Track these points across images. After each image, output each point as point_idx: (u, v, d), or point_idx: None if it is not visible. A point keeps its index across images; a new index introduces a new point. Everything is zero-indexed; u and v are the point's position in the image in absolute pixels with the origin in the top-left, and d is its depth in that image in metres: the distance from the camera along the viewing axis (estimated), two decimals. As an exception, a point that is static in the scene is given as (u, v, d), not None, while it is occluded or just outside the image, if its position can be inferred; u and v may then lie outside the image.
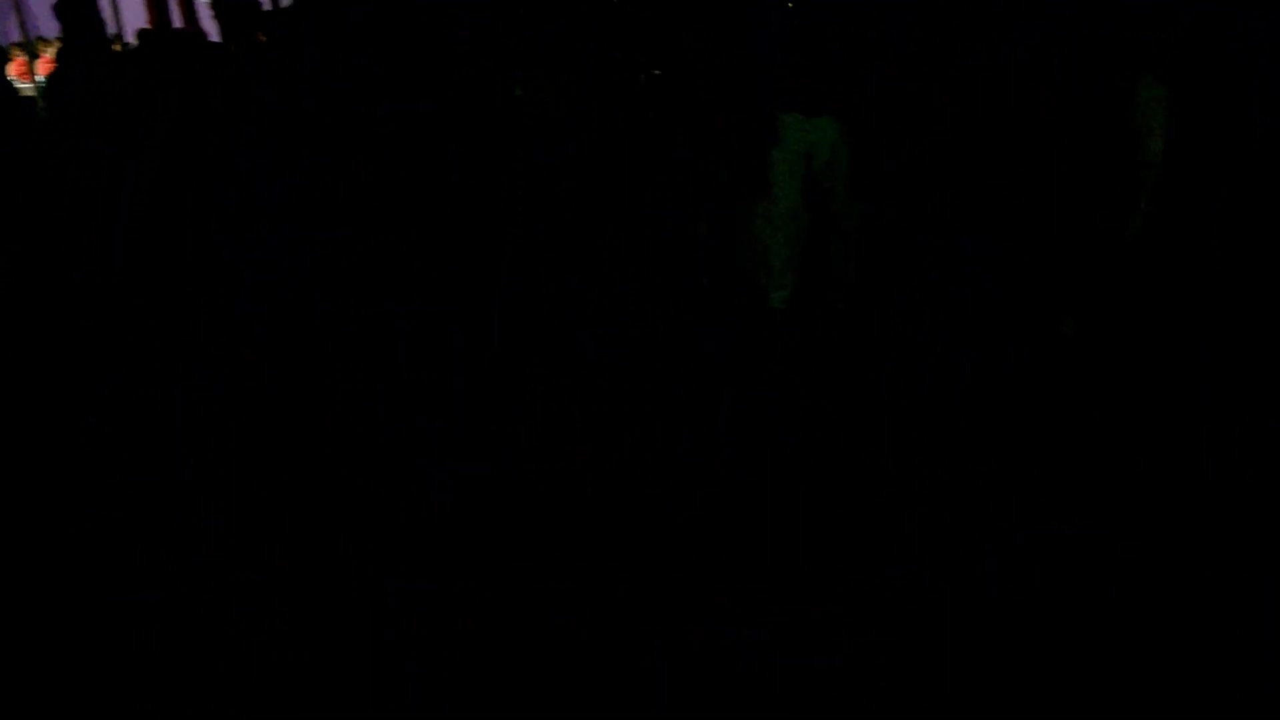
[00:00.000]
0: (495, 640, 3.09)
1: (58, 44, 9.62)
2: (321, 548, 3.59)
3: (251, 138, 4.02)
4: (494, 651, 3.05)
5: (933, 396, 4.11)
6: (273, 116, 4.10)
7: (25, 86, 8.06)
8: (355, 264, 3.69)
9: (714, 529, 3.59)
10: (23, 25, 9.93)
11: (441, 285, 3.60)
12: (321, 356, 3.96)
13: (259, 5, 4.85)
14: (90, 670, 3.13)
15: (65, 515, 3.58)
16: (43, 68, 9.03)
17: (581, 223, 4.87)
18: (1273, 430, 3.77)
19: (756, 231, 5.30)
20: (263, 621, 3.28)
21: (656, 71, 5.07)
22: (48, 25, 10.44)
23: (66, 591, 3.45)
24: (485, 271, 3.90)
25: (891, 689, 2.81)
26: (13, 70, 8.34)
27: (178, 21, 8.81)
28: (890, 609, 3.11)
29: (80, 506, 3.59)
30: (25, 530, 3.58)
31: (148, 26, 7.70)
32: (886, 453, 3.97)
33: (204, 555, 3.58)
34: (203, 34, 4.95)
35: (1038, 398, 3.41)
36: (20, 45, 9.64)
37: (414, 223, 3.58)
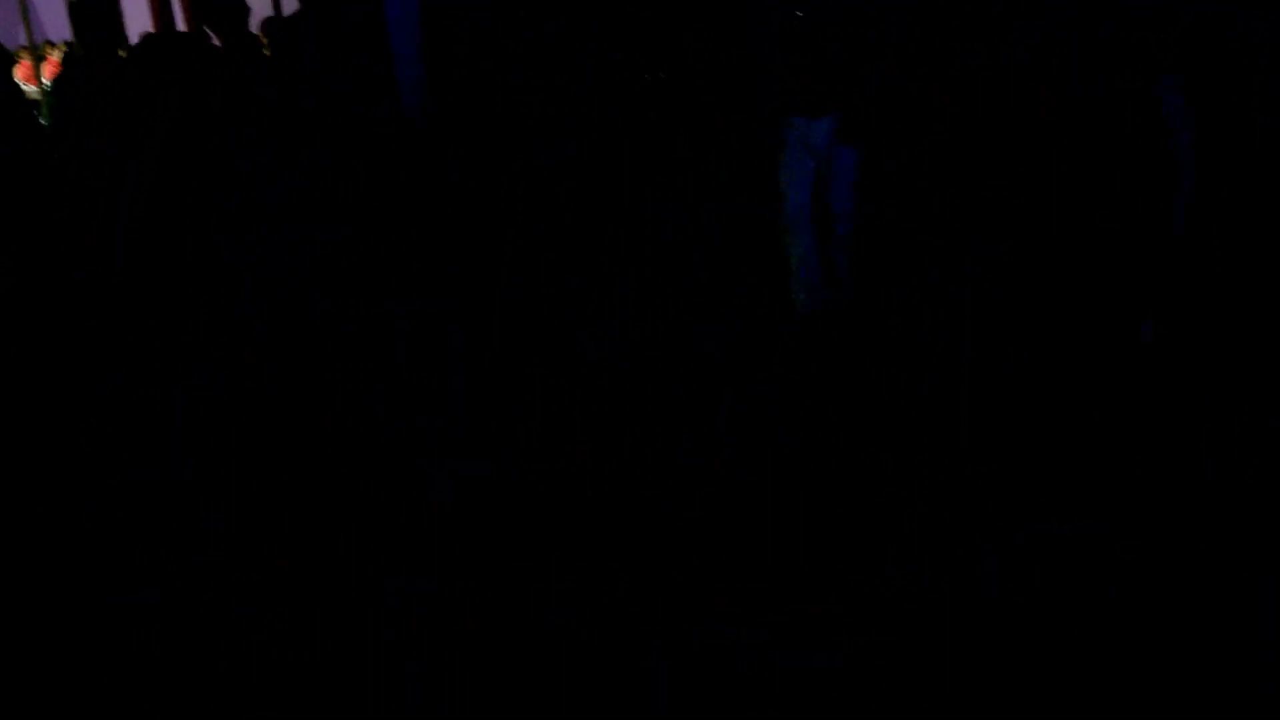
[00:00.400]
0: (495, 640, 3.09)
1: (64, 47, 9.64)
2: (321, 548, 3.60)
3: (251, 138, 4.03)
4: (494, 651, 3.05)
5: (932, 396, 4.11)
6: (273, 116, 4.11)
7: (31, 90, 8.06)
8: (355, 264, 3.69)
9: (714, 529, 3.59)
10: (29, 29, 9.94)
11: (441, 285, 3.61)
12: (321, 356, 3.96)
13: (245, 6, 4.84)
14: (90, 670, 3.13)
15: (65, 515, 3.58)
16: (49, 71, 9.04)
17: (581, 223, 4.87)
18: (1273, 430, 3.77)
19: (767, 236, 5.30)
20: (263, 621, 3.28)
21: (658, 72, 5.07)
22: (54, 29, 10.47)
23: (66, 591, 3.46)
24: (485, 271, 3.90)
25: (891, 689, 2.81)
26: (19, 74, 8.35)
27: (181, 24, 8.81)
28: (890, 609, 3.10)
29: (80, 506, 3.60)
30: (25, 530, 3.59)
31: (151, 29, 7.72)
32: (886, 453, 3.97)
33: (204, 555, 3.58)
34: (206, 36, 4.94)
35: (1038, 397, 3.40)
36: (27, 49, 9.65)
37: (414, 223, 3.59)
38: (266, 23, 8.32)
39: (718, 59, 4.89)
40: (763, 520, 3.60)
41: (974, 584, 3.18)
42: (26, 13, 9.50)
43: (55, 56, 10.13)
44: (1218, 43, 3.77)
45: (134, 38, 4.98)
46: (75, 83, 4.27)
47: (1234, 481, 3.55)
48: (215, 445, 3.76)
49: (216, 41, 5.04)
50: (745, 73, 4.84)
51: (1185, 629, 2.90)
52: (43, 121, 5.88)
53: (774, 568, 3.36)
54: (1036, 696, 2.74)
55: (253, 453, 3.88)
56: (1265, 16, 3.73)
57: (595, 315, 4.82)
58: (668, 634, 3.07)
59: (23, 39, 9.66)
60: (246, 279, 3.88)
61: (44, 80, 8.63)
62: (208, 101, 4.02)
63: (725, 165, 5.08)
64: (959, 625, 3.01)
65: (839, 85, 4.66)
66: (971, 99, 3.94)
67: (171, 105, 3.79)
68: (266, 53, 6.97)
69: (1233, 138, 3.82)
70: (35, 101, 7.33)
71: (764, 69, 4.80)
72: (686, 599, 3.23)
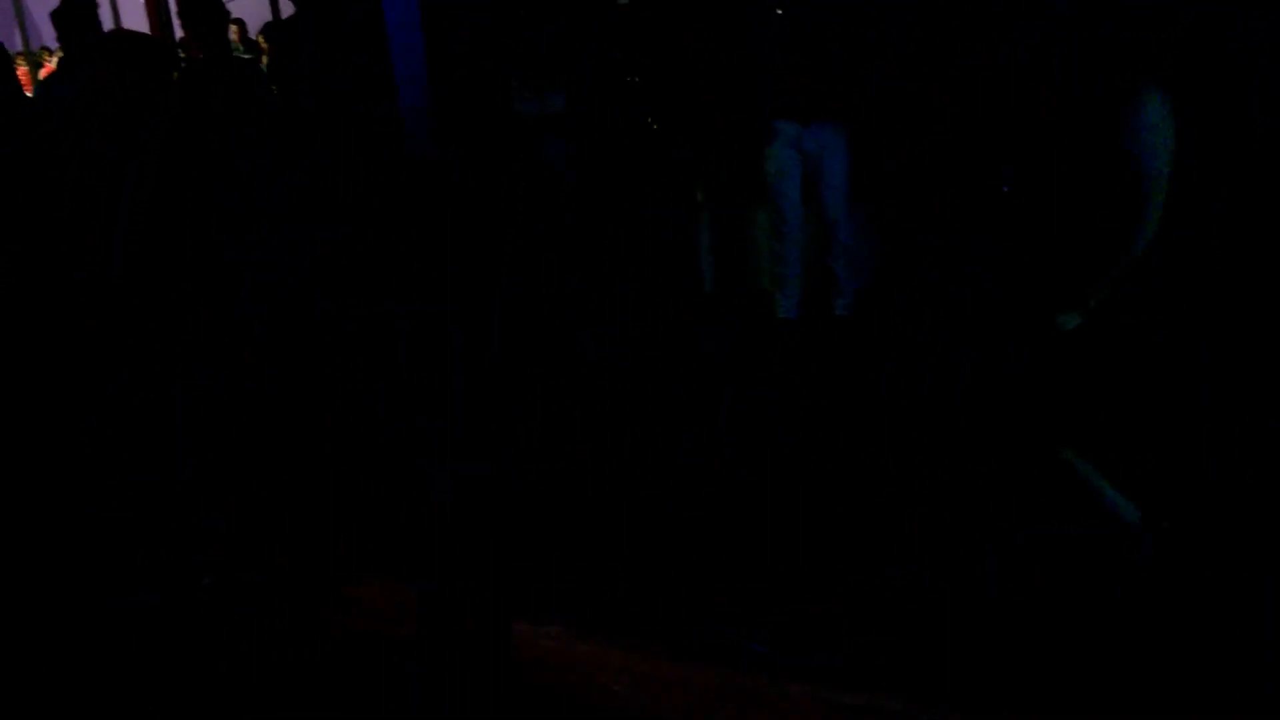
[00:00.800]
0: (495, 640, 3.08)
1: (60, 53, 9.66)
2: (321, 548, 3.60)
3: (251, 138, 4.04)
4: (493, 651, 3.05)
5: (933, 396, 4.11)
6: (273, 116, 4.11)
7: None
8: (355, 264, 3.69)
9: (714, 529, 3.59)
10: (25, 35, 9.97)
11: (441, 285, 3.60)
12: (321, 356, 3.96)
13: (225, 9, 4.85)
14: (90, 670, 3.13)
15: (65, 515, 3.58)
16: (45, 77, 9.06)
17: (581, 223, 4.88)
18: (1273, 431, 3.77)
19: (757, 238, 5.31)
20: (263, 621, 3.28)
21: (653, 72, 5.09)
22: (51, 35, 10.50)
23: (66, 592, 3.46)
24: (485, 271, 3.90)
25: (891, 689, 2.81)
26: (15, 80, 8.34)
27: (179, 30, 8.83)
28: (890, 609, 3.10)
29: (80, 506, 3.59)
30: (25, 530, 3.59)
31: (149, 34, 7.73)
32: (886, 453, 3.97)
33: (204, 555, 3.59)
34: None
35: (1038, 397, 3.40)
36: (23, 55, 9.67)
37: (414, 223, 3.58)
38: (267, 28, 8.36)
39: (718, 59, 4.90)
40: (763, 520, 3.60)
41: (974, 584, 3.18)
42: (22, 18, 9.54)
43: (51, 63, 10.16)
44: (1218, 43, 3.77)
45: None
46: (74, 83, 4.27)
47: (1235, 482, 3.55)
48: (215, 445, 3.76)
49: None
50: (745, 73, 4.85)
51: (1185, 629, 2.90)
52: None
53: (774, 568, 3.36)
54: (1037, 696, 2.74)
55: (253, 453, 3.88)
56: (1266, 17, 3.73)
57: (595, 315, 4.83)
58: (668, 634, 3.07)
59: (19, 45, 9.68)
60: (246, 279, 3.88)
61: (40, 86, 8.66)
62: (208, 102, 4.03)
63: (725, 165, 5.09)
64: (959, 625, 3.01)
65: (839, 85, 4.67)
66: (972, 99, 3.94)
67: (172, 105, 3.80)
68: (265, 59, 7.00)
69: (1233, 138, 3.82)
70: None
71: (764, 69, 4.81)
72: (686, 599, 3.23)
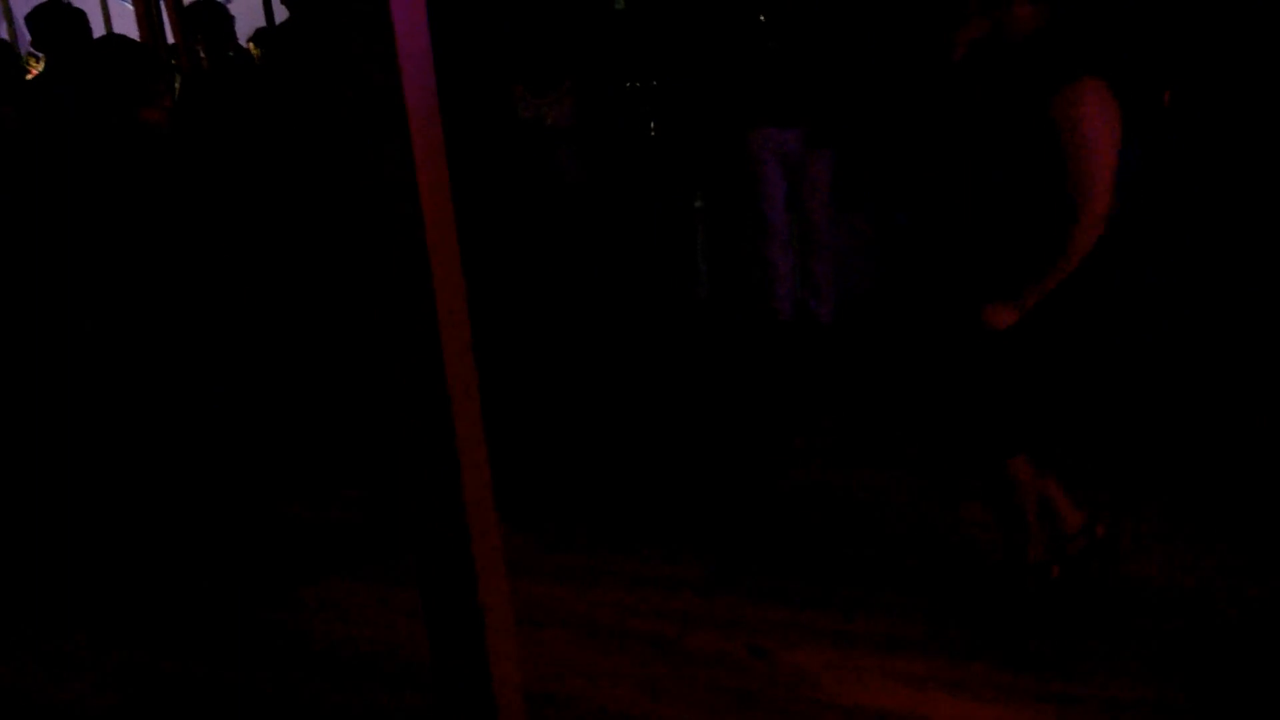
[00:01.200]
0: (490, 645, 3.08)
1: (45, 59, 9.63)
2: (282, 546, 3.62)
3: (251, 140, 4.04)
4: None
5: (926, 395, 4.14)
6: (272, 119, 4.11)
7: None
8: (347, 264, 3.71)
9: (709, 528, 3.61)
10: (15, 39, 9.92)
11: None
12: (320, 356, 3.97)
13: (229, 16, 4.84)
14: (90, 670, 3.12)
15: (65, 515, 3.57)
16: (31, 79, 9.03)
17: (581, 224, 4.89)
18: (1273, 430, 3.80)
19: (745, 242, 5.34)
20: (218, 622, 3.28)
21: (649, 77, 5.12)
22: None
23: (66, 591, 3.45)
24: (485, 271, 3.91)
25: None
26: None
27: (172, 36, 8.78)
28: (889, 608, 3.11)
29: (79, 506, 3.59)
30: (25, 530, 3.58)
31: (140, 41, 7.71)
32: (882, 450, 4.00)
33: (204, 555, 3.58)
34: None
35: (1035, 395, 3.41)
36: (10, 60, 9.63)
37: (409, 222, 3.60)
38: (258, 34, 8.33)
39: (708, 65, 4.93)
40: (758, 520, 3.64)
41: (972, 581, 3.20)
42: (13, 23, 9.50)
43: (38, 69, 10.12)
44: (1217, 42, 3.81)
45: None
46: (65, 90, 4.23)
47: (1234, 480, 3.58)
48: (216, 445, 3.75)
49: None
50: (733, 79, 4.88)
51: (1186, 628, 2.92)
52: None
53: (770, 566, 3.38)
54: (1035, 696, 2.75)
55: (252, 451, 3.89)
56: (1265, 16, 3.76)
57: (592, 313, 4.84)
58: (663, 636, 3.07)
59: (7, 50, 9.62)
60: (246, 280, 3.88)
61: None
62: (210, 106, 4.04)
63: (716, 170, 5.12)
64: (958, 623, 3.02)
65: (825, 90, 4.70)
66: (950, 100, 3.96)
67: (168, 111, 3.81)
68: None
69: (1231, 137, 3.85)
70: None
71: (751, 74, 4.83)
72: (686, 598, 3.23)
